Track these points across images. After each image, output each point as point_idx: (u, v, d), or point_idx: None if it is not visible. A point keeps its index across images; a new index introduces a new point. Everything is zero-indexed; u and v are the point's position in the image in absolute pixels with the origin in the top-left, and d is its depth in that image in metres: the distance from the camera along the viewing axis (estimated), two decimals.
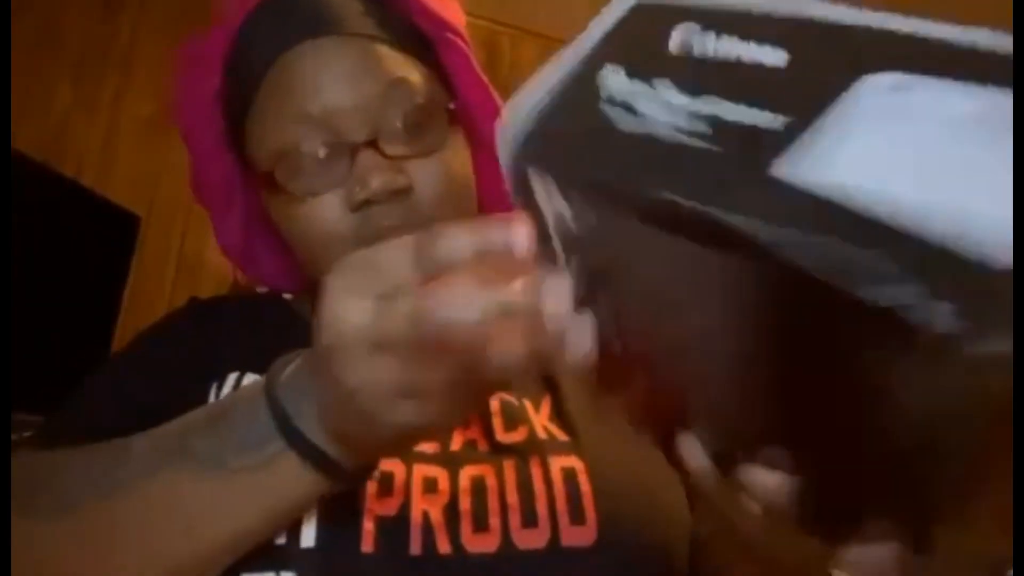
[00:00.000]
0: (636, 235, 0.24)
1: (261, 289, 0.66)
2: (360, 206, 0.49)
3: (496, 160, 0.58)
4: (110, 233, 1.85)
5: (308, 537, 0.43)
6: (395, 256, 0.31)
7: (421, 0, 0.55)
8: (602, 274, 0.27)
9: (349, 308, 0.30)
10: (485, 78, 0.58)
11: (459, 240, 0.29)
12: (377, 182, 0.48)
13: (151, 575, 0.39)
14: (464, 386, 0.31)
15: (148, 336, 0.59)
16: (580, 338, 0.28)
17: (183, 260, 2.01)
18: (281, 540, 0.42)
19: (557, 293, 0.27)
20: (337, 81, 0.50)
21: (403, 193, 0.50)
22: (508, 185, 0.28)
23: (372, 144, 0.49)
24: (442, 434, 0.45)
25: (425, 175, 0.51)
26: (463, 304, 0.27)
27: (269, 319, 0.59)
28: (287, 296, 0.64)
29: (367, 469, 0.40)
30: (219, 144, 0.56)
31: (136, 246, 1.92)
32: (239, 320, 0.59)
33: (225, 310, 0.61)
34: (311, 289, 0.60)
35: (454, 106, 0.54)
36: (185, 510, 0.39)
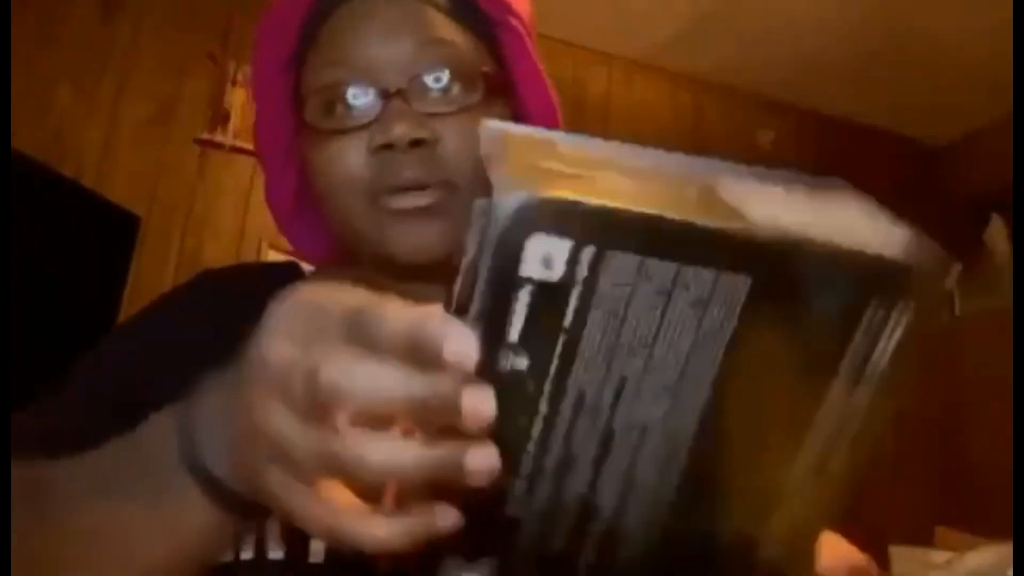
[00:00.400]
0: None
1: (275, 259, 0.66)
2: (379, 150, 0.50)
3: None
4: (110, 233, 1.85)
5: (275, 551, 0.43)
6: (334, 313, 0.28)
7: None
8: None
9: (273, 348, 0.28)
10: (541, 66, 0.59)
11: (397, 326, 0.26)
12: (399, 129, 0.49)
13: None
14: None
15: (153, 316, 0.59)
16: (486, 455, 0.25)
17: (183, 260, 2.01)
18: (248, 555, 0.43)
19: (480, 400, 0.25)
20: (380, 31, 0.52)
21: (425, 145, 0.50)
22: (480, 282, 0.26)
23: (402, 94, 0.51)
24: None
25: (450, 132, 0.52)
26: (362, 381, 0.25)
27: None
28: (307, 268, 0.64)
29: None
30: (286, 104, 0.57)
31: (136, 246, 1.92)
32: (252, 302, 0.57)
33: (238, 287, 0.60)
34: (345, 260, 0.60)
35: (496, 75, 0.55)
36: (95, 541, 0.37)
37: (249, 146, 2.11)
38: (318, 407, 0.26)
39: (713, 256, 0.27)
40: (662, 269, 0.27)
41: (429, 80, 0.52)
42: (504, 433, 0.26)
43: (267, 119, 0.59)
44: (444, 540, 0.27)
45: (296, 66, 0.56)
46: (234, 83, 2.11)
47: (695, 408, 0.29)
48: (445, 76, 0.52)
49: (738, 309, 0.27)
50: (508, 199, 0.25)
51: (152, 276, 1.94)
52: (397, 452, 0.25)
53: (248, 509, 0.33)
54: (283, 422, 0.27)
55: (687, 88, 2.73)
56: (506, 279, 0.26)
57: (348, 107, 0.52)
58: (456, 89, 0.52)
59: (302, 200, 0.61)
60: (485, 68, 0.54)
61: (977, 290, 2.76)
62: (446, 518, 0.27)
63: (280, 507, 0.29)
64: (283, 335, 0.28)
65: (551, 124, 0.60)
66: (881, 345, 0.28)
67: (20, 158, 1.57)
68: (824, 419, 0.30)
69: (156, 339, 0.55)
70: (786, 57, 2.58)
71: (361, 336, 0.26)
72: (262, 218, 2.10)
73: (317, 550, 0.43)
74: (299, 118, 0.56)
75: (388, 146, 0.50)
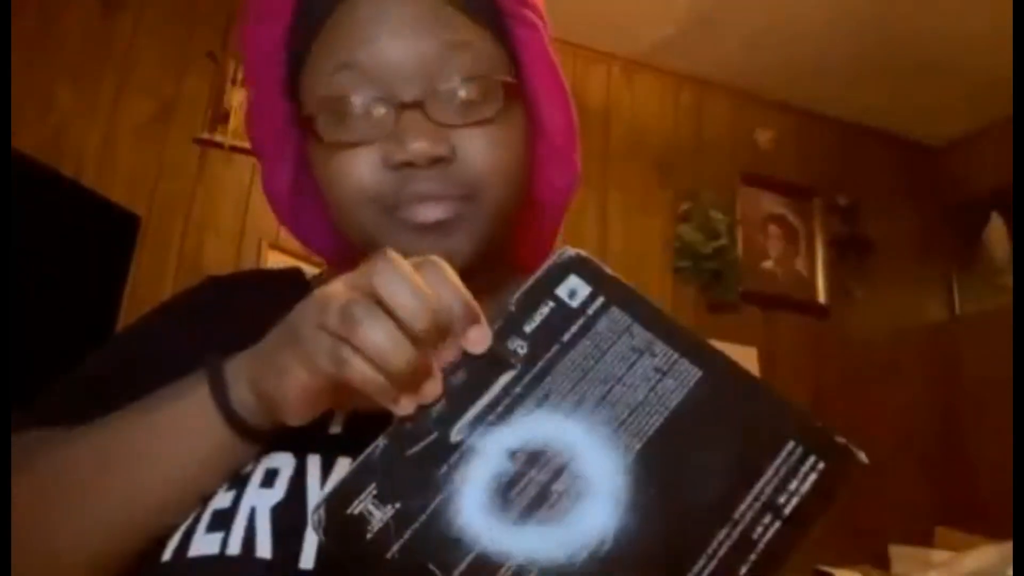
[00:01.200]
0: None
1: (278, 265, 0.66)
2: (398, 167, 0.48)
3: (555, 147, 0.59)
4: (110, 233, 1.85)
5: (264, 550, 0.42)
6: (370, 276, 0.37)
7: None
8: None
9: (334, 285, 0.38)
10: (557, 62, 0.56)
11: (456, 284, 0.37)
12: (417, 146, 0.47)
13: (73, 529, 0.42)
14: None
15: (157, 324, 0.58)
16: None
17: (183, 259, 2.01)
18: (235, 551, 0.42)
19: (484, 335, 0.37)
20: (394, 33, 0.49)
21: (443, 161, 0.48)
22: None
23: (420, 105, 0.48)
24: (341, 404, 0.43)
25: (469, 147, 0.49)
26: (405, 286, 0.35)
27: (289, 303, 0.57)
28: (309, 274, 0.62)
29: (265, 438, 0.43)
30: (279, 91, 0.55)
31: (136, 246, 1.92)
32: (256, 312, 0.56)
33: (242, 297, 0.59)
34: (349, 256, 0.59)
35: (516, 82, 0.52)
36: (110, 459, 0.43)
37: (249, 145, 2.10)
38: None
39: (680, 345, 0.37)
40: (643, 334, 0.37)
41: (448, 89, 0.49)
42: (469, 390, 0.36)
43: (261, 103, 0.57)
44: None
45: (291, 55, 0.53)
46: (234, 82, 2.11)
47: (618, 461, 0.34)
48: (465, 85, 0.49)
49: (686, 390, 0.35)
50: (570, 250, 0.39)
51: (152, 275, 1.94)
52: (391, 337, 0.34)
53: (254, 437, 0.42)
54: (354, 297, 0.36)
55: (687, 88, 2.73)
56: (544, 289, 0.38)
57: (359, 116, 0.49)
58: (476, 99, 0.49)
59: (301, 188, 0.59)
60: (506, 77, 0.52)
61: (977, 290, 2.76)
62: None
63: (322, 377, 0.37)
64: (340, 284, 0.38)
65: (565, 124, 0.58)
66: (791, 486, 0.33)
67: (20, 158, 1.57)
68: (721, 537, 0.32)
69: (159, 348, 0.54)
70: (786, 57, 2.58)
71: (423, 269, 0.37)
72: (262, 218, 2.10)
73: (308, 554, 0.42)
74: (296, 111, 0.54)
75: (407, 163, 0.48)
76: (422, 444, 0.35)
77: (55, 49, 2.00)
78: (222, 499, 0.44)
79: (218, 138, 2.09)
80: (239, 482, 0.44)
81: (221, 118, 2.10)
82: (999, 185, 2.67)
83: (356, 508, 0.34)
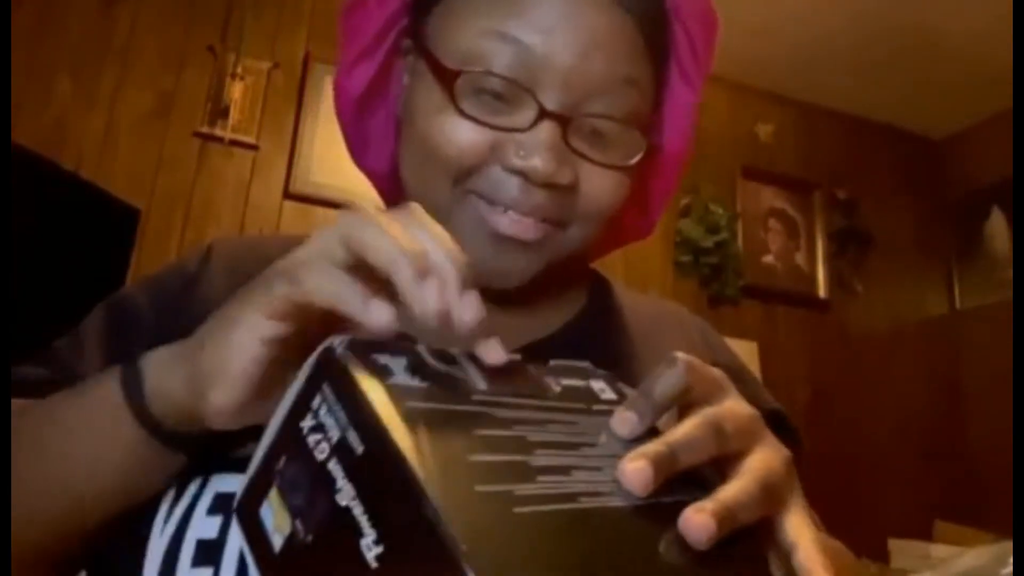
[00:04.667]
0: None
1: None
2: (511, 170, 0.45)
3: (650, 205, 0.57)
4: (110, 226, 1.85)
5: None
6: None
7: (708, 34, 0.51)
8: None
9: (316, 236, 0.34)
10: (699, 87, 0.53)
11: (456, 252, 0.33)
12: (543, 167, 0.44)
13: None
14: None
15: (168, 294, 0.54)
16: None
17: (183, 253, 2.01)
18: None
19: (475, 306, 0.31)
20: (573, 38, 0.44)
21: (560, 189, 0.45)
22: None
23: (563, 122, 0.44)
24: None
25: (589, 184, 0.46)
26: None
27: None
28: None
29: (188, 445, 0.38)
30: (402, 3, 0.50)
31: (136, 239, 1.92)
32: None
33: (249, 269, 0.55)
34: (391, 186, 0.56)
35: (658, 145, 0.50)
36: (31, 443, 0.39)
37: (248, 139, 2.11)
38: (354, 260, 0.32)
39: None
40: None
41: (596, 117, 0.45)
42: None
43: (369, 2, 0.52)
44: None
45: None
46: (233, 76, 2.10)
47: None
48: (614, 124, 0.46)
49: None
50: None
51: (152, 269, 1.94)
52: (339, 280, 0.31)
53: (173, 441, 0.37)
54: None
55: None
56: None
57: (494, 95, 0.45)
58: (618, 141, 0.46)
59: (371, 96, 0.55)
60: (658, 141, 0.49)
61: (977, 284, 2.76)
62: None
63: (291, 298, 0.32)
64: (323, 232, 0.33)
65: (670, 189, 0.55)
66: None
67: (20, 151, 1.57)
68: None
69: (167, 320, 0.51)
70: (786, 50, 2.57)
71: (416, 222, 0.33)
72: (262, 212, 2.10)
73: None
74: (410, 30, 0.51)
75: (522, 174, 0.44)
76: None
77: (55, 42, 2.00)
78: (207, 526, 0.39)
79: (218, 132, 2.09)
80: (227, 506, 0.39)
81: (221, 112, 2.09)
82: (1000, 179, 2.67)
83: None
